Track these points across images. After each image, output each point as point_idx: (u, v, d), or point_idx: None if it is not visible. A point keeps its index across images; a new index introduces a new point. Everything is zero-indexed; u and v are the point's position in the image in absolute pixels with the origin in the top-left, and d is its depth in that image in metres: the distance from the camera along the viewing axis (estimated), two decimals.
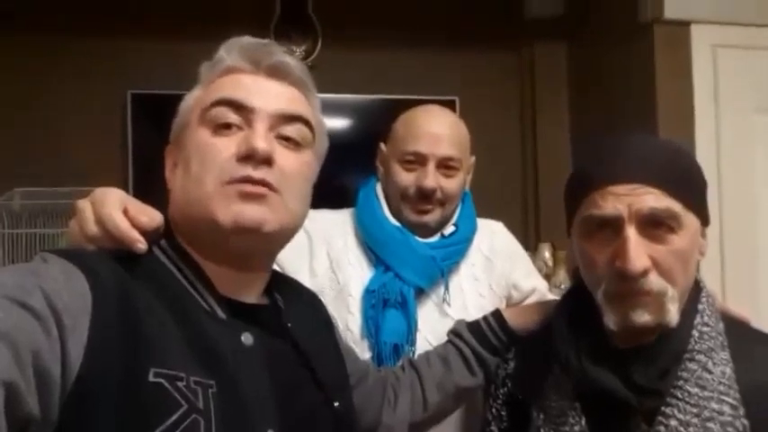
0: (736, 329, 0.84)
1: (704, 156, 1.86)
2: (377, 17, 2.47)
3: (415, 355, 1.11)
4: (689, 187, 0.81)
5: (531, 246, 2.31)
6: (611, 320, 0.80)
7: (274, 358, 0.72)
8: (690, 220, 0.80)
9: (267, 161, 0.70)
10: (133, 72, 2.34)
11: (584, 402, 0.83)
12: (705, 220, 0.84)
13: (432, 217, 1.18)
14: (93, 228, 0.69)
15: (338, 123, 2.39)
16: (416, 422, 1.02)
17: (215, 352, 0.66)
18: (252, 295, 0.76)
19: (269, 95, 0.74)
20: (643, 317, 0.78)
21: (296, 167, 0.74)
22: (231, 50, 0.76)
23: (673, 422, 0.76)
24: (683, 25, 1.93)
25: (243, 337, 0.70)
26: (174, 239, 0.74)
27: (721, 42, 1.92)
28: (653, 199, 0.77)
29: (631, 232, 0.77)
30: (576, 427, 0.82)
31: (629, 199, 0.77)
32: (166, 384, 0.61)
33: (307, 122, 0.76)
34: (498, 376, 0.99)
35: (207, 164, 0.70)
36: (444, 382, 1.02)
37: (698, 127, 1.89)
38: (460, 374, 1.03)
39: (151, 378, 0.60)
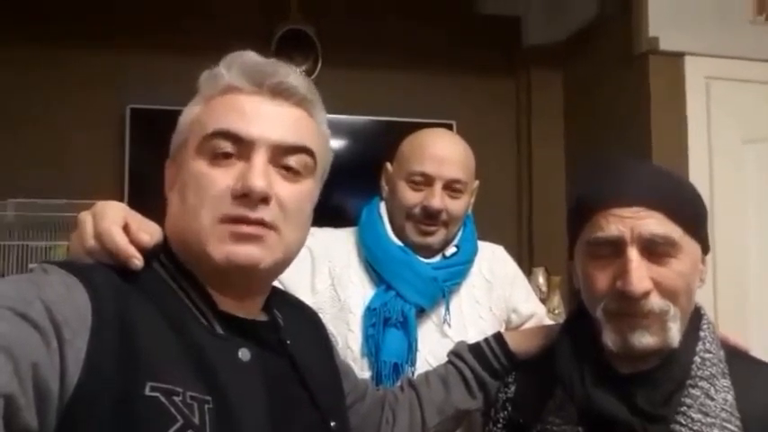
0: (736, 357, 0.85)
1: (696, 184, 1.88)
2: (377, 40, 2.51)
3: (415, 375, 1.10)
4: (691, 214, 0.83)
5: (525, 270, 2.32)
6: (610, 340, 0.81)
7: (272, 375, 0.71)
8: (691, 245, 0.81)
9: (265, 200, 0.68)
10: (133, 87, 2.35)
11: (587, 427, 0.83)
12: (705, 248, 0.86)
13: (435, 238, 1.19)
14: (91, 242, 0.68)
15: (335, 143, 2.39)
16: None
17: (212, 367, 0.65)
18: (250, 311, 0.76)
19: (270, 122, 0.71)
20: (644, 339, 0.79)
21: (295, 199, 0.72)
22: (232, 67, 0.72)
23: None
24: (677, 57, 1.98)
25: (240, 354, 0.69)
26: (173, 255, 0.73)
27: (714, 74, 1.97)
28: (655, 223, 0.79)
29: (633, 254, 0.78)
30: None
31: (632, 222, 0.79)
32: (162, 399, 0.60)
33: (308, 151, 0.73)
34: (498, 400, 0.99)
35: (202, 197, 0.69)
36: (443, 403, 1.02)
37: (691, 157, 1.92)
38: (460, 396, 1.02)
39: (147, 392, 0.59)
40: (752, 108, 1.97)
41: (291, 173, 0.72)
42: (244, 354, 0.70)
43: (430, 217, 1.17)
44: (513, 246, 2.53)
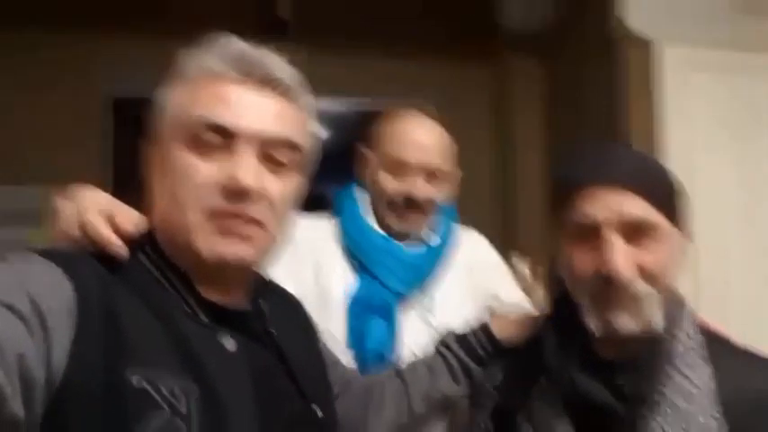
0: (716, 343, 0.86)
1: (673, 171, 1.91)
2: (354, 22, 2.47)
3: (399, 363, 1.10)
4: (669, 196, 0.83)
5: (507, 259, 2.33)
6: (594, 325, 0.81)
7: (258, 365, 0.71)
8: (671, 229, 0.82)
9: (254, 196, 0.68)
10: (117, 75, 2.29)
11: (571, 412, 0.84)
12: (684, 232, 0.86)
13: (416, 226, 1.19)
14: (74, 231, 0.68)
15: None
16: (401, 429, 1.01)
17: (199, 357, 0.65)
18: (235, 301, 0.75)
19: (257, 114, 0.70)
20: (627, 323, 0.79)
21: (284, 194, 0.72)
22: (218, 52, 0.71)
23: (656, 431, 0.78)
24: (654, 44, 1.99)
25: (226, 343, 0.69)
26: (157, 244, 0.72)
27: (691, 62, 1.99)
28: (637, 206, 0.79)
29: (616, 238, 0.79)
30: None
31: (613, 204, 0.79)
32: (149, 388, 0.60)
33: (295, 145, 0.73)
34: (485, 387, 0.99)
35: (187, 190, 0.68)
36: (430, 391, 1.02)
37: (667, 145, 1.94)
38: (446, 384, 1.03)
39: (134, 382, 0.60)
40: (728, 97, 1.99)
41: (279, 166, 0.71)
42: (230, 344, 0.69)
43: (412, 206, 1.16)
44: (496, 234, 2.54)
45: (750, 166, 1.97)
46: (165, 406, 0.60)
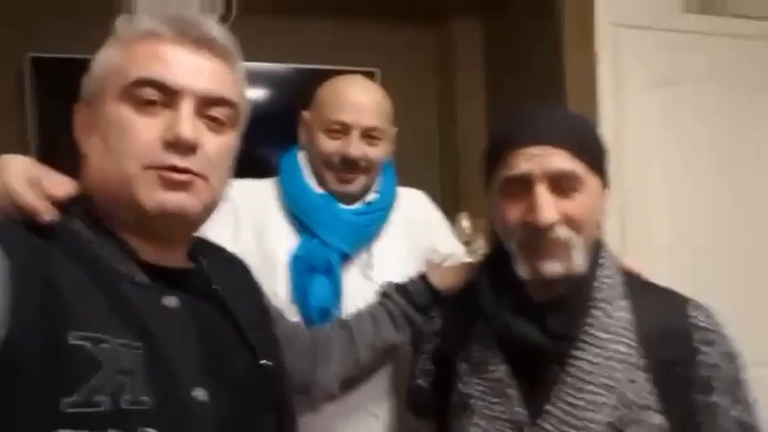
0: (633, 281, 0.93)
1: (607, 126, 1.99)
2: None
3: (342, 316, 1.14)
4: (592, 151, 0.89)
5: (449, 215, 2.39)
6: (522, 269, 0.87)
7: (202, 321, 0.73)
8: (593, 180, 0.88)
9: (193, 149, 0.70)
10: (34, 34, 2.17)
11: (505, 351, 0.90)
12: (606, 182, 0.92)
13: (355, 186, 1.21)
14: (1, 201, 0.67)
15: (255, 93, 2.34)
16: (348, 378, 1.06)
17: (140, 315, 0.66)
18: (173, 260, 0.76)
19: (194, 73, 0.72)
20: (553, 266, 0.85)
21: (221, 150, 0.74)
22: (154, 14, 0.73)
23: (581, 363, 0.85)
24: (588, 3, 2.04)
25: (166, 301, 0.70)
26: (90, 207, 0.72)
27: (623, 21, 2.05)
28: (560, 159, 0.85)
29: (541, 189, 0.84)
30: (497, 373, 0.90)
31: (539, 159, 0.84)
32: (89, 346, 0.61)
33: (232, 103, 0.75)
34: (425, 333, 1.05)
35: (128, 144, 0.69)
36: (374, 339, 1.07)
37: (600, 100, 2.01)
38: (389, 332, 1.08)
39: (72, 340, 0.60)
40: (656, 54, 2.07)
41: (216, 123, 0.74)
42: (170, 301, 0.70)
43: (348, 165, 1.18)
44: (438, 190, 2.60)
45: (676, 119, 2.07)
46: (108, 362, 0.61)
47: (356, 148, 1.17)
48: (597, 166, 0.89)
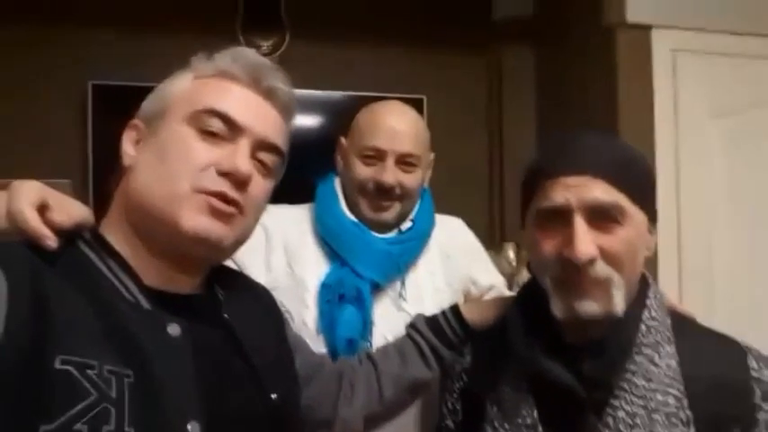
0: (683, 325, 0.86)
1: (663, 158, 1.90)
2: (346, 13, 2.46)
3: (369, 348, 1.10)
4: (636, 182, 0.82)
5: (495, 245, 2.33)
6: (557, 308, 0.81)
7: (205, 350, 0.71)
8: (636, 213, 0.82)
9: (246, 184, 0.73)
10: (95, 62, 2.28)
11: (537, 396, 0.84)
12: (653, 217, 0.86)
13: (389, 214, 1.18)
14: (2, 221, 0.68)
15: (305, 119, 2.37)
16: (372, 415, 1.01)
17: (134, 342, 0.65)
18: (181, 286, 0.76)
19: (260, 117, 0.76)
20: (590, 307, 0.79)
21: (263, 194, 0.78)
22: (236, 58, 0.77)
23: (620, 413, 0.78)
24: (645, 29, 1.97)
25: (169, 328, 0.69)
26: (100, 232, 0.73)
27: (680, 47, 1.96)
28: (600, 191, 0.79)
29: (579, 222, 0.79)
30: (529, 420, 0.84)
31: (577, 189, 0.79)
32: (74, 372, 0.60)
33: (282, 154, 0.79)
34: (454, 370, 0.99)
35: (185, 163, 0.71)
36: (401, 375, 1.03)
37: (657, 130, 1.92)
38: (417, 368, 1.03)
39: (57, 365, 0.59)
40: (718, 81, 1.97)
41: (265, 169, 0.77)
42: (173, 328, 0.69)
43: (383, 192, 1.16)
44: (485, 219, 2.54)
45: (737, 151, 1.95)
46: (92, 390, 0.60)
47: (390, 174, 1.15)
48: (642, 199, 0.83)
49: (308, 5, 2.44)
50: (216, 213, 0.71)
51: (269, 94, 0.77)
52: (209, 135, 0.72)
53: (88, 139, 2.25)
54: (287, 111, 0.80)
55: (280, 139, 0.78)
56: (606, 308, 0.79)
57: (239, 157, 0.72)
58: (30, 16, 2.25)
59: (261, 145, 0.75)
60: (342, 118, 2.30)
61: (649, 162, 0.88)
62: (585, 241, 0.78)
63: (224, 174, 0.71)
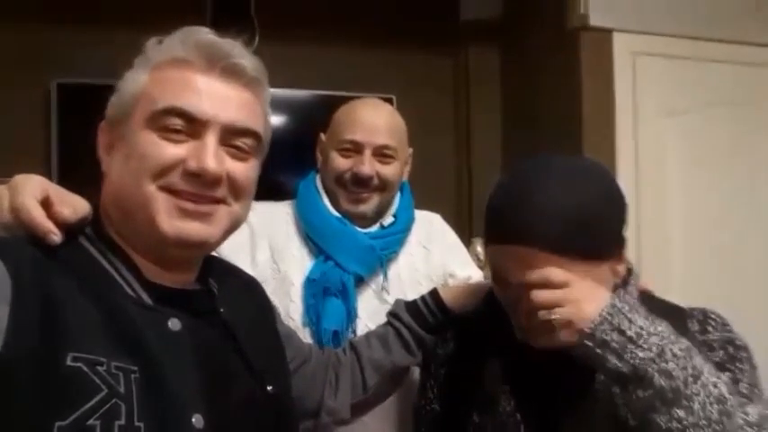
0: (644, 299, 0.89)
1: (623, 154, 1.99)
2: (315, 13, 2.48)
3: (353, 338, 1.13)
4: (591, 243, 0.80)
5: (464, 240, 2.37)
6: (517, 333, 0.84)
7: (204, 344, 0.72)
8: (597, 268, 0.81)
9: (218, 182, 0.71)
10: (57, 61, 2.23)
11: (520, 380, 0.88)
12: (619, 253, 0.85)
13: (368, 206, 1.21)
14: (6, 216, 0.67)
15: (274, 119, 2.37)
16: (357, 403, 1.04)
17: (138, 338, 0.66)
18: (181, 280, 0.76)
19: (222, 103, 0.72)
20: (543, 343, 0.79)
21: (244, 176, 0.75)
22: (186, 41, 0.72)
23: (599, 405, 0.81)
24: (606, 32, 2.05)
25: (170, 323, 0.69)
26: (101, 227, 0.73)
27: (640, 50, 2.05)
28: (548, 263, 0.77)
29: (526, 296, 0.78)
30: (508, 408, 0.87)
31: (524, 263, 0.79)
32: (85, 368, 0.60)
33: (255, 134, 0.75)
34: (438, 356, 1.01)
35: (148, 163, 0.69)
36: (383, 362, 1.05)
37: (618, 127, 2.01)
38: (399, 355, 1.05)
39: (69, 362, 0.60)
40: (675, 82, 2.07)
41: (240, 152, 0.74)
42: (174, 323, 0.70)
43: (361, 183, 1.18)
44: (453, 215, 2.59)
45: (692, 147, 2.05)
46: (103, 386, 0.61)
47: (367, 166, 1.17)
48: (600, 254, 0.81)
49: (278, 5, 2.44)
50: (189, 215, 0.70)
51: (230, 74, 0.72)
52: (171, 133, 0.70)
53: (52, 142, 2.19)
54: (254, 83, 0.75)
55: (251, 120, 0.74)
56: (558, 343, 0.78)
57: (206, 155, 0.69)
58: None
59: (230, 131, 0.72)
60: (312, 117, 2.34)
61: (614, 196, 0.84)
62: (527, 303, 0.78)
63: (192, 174, 0.69)
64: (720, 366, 0.82)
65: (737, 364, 0.85)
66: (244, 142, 0.74)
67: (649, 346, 0.74)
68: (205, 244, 0.72)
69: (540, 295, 0.77)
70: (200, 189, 0.70)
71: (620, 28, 2.04)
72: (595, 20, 2.02)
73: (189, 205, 0.70)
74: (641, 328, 0.75)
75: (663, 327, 0.76)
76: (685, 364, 0.73)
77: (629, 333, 0.74)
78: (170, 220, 0.69)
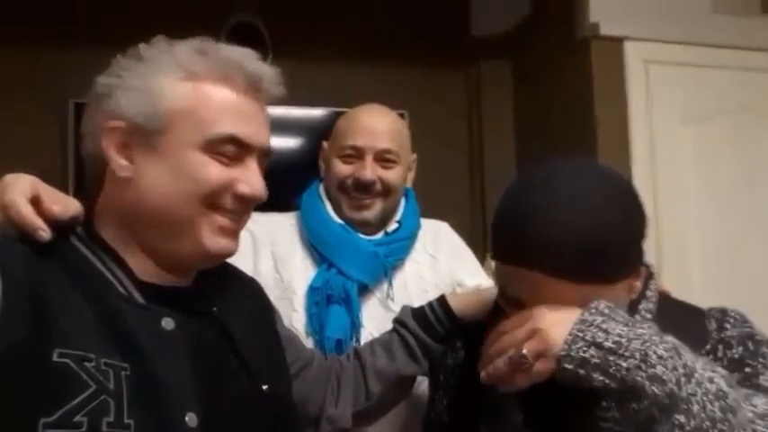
0: (662, 302, 0.87)
1: (639, 163, 1.96)
2: (327, 31, 2.50)
3: (357, 345, 1.10)
4: (607, 270, 0.74)
5: (477, 256, 2.35)
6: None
7: (198, 343, 0.72)
8: (609, 289, 0.75)
9: (258, 202, 0.76)
10: (76, 81, 2.28)
11: (525, 396, 0.84)
12: (636, 269, 0.79)
13: (371, 212, 1.19)
14: None
15: (288, 136, 2.39)
16: (360, 412, 1.00)
17: (130, 336, 0.66)
18: (177, 281, 0.76)
19: (261, 128, 0.76)
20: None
21: (265, 194, 0.78)
22: (228, 59, 0.74)
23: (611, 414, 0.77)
24: (618, 41, 2.03)
25: (163, 322, 0.69)
26: (93, 228, 0.73)
27: (652, 58, 2.03)
28: (559, 293, 0.73)
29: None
30: (519, 419, 0.83)
31: (533, 288, 0.75)
32: (72, 364, 0.60)
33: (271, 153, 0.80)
34: (447, 365, 0.97)
35: (203, 190, 0.71)
36: (386, 370, 1.01)
37: (632, 136, 1.98)
38: (403, 363, 1.01)
39: (55, 358, 0.59)
40: (689, 90, 2.04)
41: (261, 169, 0.78)
42: (167, 323, 0.69)
43: (363, 189, 1.17)
44: (466, 231, 2.55)
45: (707, 154, 2.02)
46: (91, 382, 0.60)
47: (369, 171, 1.16)
48: (612, 276, 0.75)
49: (289, 24, 2.48)
50: (229, 233, 0.74)
51: (258, 92, 0.76)
52: (223, 156, 0.73)
53: (69, 159, 2.24)
54: (272, 100, 0.79)
55: (269, 137, 0.79)
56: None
57: (256, 180, 0.74)
58: (11, 34, 2.24)
59: (263, 154, 0.77)
60: (325, 134, 2.34)
61: (633, 213, 0.77)
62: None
63: (242, 197, 0.73)
64: (739, 363, 0.79)
65: (759, 359, 0.80)
66: (266, 161, 0.79)
67: (631, 353, 0.69)
68: (228, 257, 0.76)
69: (502, 342, 0.76)
70: (243, 209, 0.74)
71: (631, 36, 2.03)
72: (606, 29, 2.01)
73: (229, 224, 0.73)
74: (620, 336, 0.70)
75: (645, 329, 0.72)
76: (674, 364, 0.69)
77: (606, 345, 0.70)
78: (213, 237, 0.72)
